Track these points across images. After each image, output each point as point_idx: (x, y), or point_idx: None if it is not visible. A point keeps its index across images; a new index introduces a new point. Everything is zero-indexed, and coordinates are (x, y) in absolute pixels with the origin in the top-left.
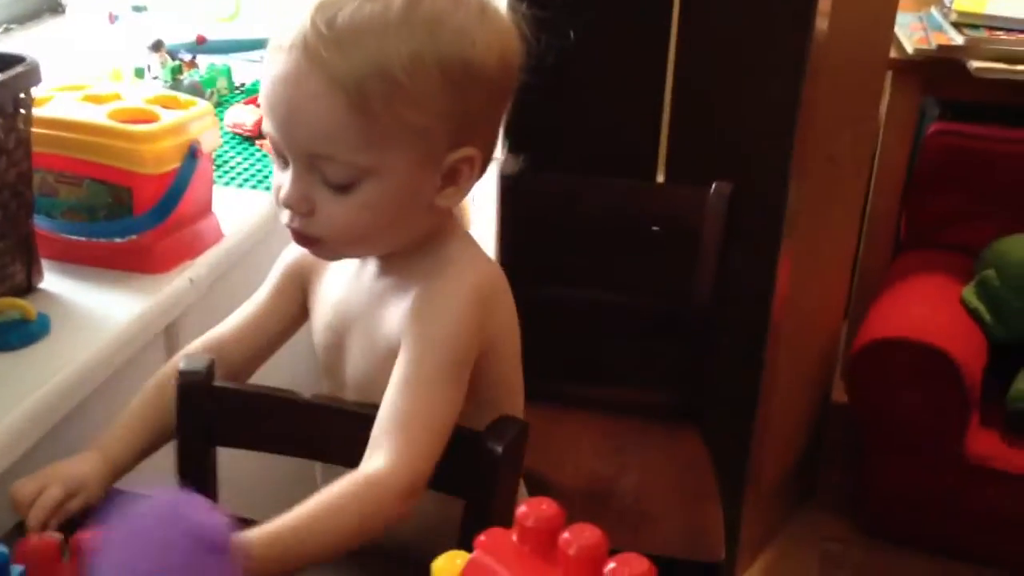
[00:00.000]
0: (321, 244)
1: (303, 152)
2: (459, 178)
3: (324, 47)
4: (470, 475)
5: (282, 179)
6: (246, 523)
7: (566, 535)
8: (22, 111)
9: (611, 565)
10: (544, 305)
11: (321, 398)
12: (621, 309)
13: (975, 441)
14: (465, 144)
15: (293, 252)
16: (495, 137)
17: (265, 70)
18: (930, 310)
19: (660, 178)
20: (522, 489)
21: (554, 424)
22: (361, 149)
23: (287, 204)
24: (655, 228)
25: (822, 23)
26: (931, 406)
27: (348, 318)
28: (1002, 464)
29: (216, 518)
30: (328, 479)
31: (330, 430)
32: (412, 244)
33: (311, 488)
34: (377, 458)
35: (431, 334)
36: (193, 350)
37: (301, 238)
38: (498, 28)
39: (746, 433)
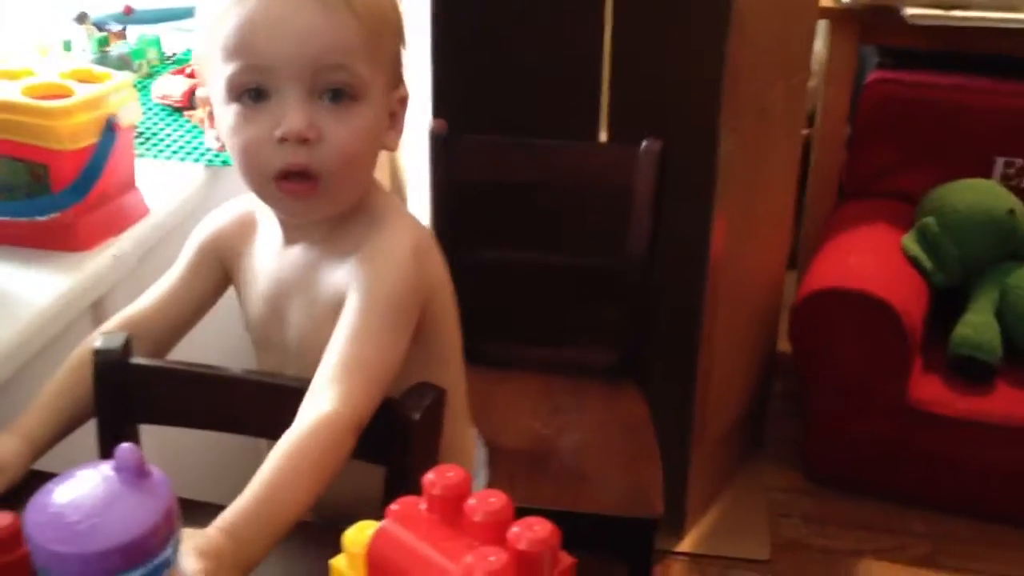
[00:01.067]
0: (318, 186)
1: (311, 67)
2: (397, 119)
3: None
4: (389, 443)
5: (258, 126)
6: (189, 504)
7: (472, 501)
8: None
9: (514, 529)
10: (482, 268)
11: (239, 372)
12: (559, 270)
13: (918, 387)
14: (399, 84)
15: (208, 229)
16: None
17: (247, 7)
18: (870, 259)
19: (603, 138)
20: (481, 451)
21: (494, 386)
22: (367, 62)
23: (296, 134)
24: (582, 190)
25: None
26: (873, 354)
27: (285, 287)
28: (944, 409)
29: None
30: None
31: (250, 403)
32: (353, 204)
33: (252, 462)
34: (323, 401)
35: (376, 286)
36: (110, 328)
37: (300, 177)
38: None
39: (689, 387)
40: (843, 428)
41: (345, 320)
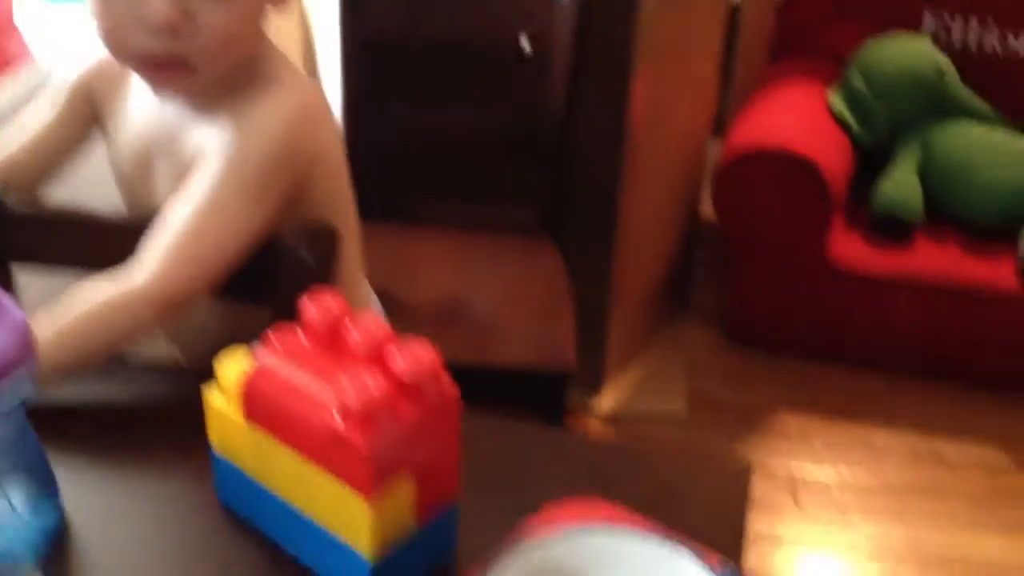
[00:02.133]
0: (189, 70)
1: None
2: None
3: None
4: (278, 285)
5: (121, 6)
6: None
7: (351, 328)
8: None
9: (394, 352)
10: (396, 124)
11: (106, 214)
12: (475, 126)
13: (840, 246)
14: None
15: (79, 70)
16: None
17: None
18: (795, 118)
19: None
20: (378, 309)
21: (407, 242)
22: None
23: (162, 23)
24: (524, 42)
25: None
26: (794, 214)
27: (153, 145)
28: (865, 267)
29: None
30: None
31: (123, 246)
32: (244, 57)
33: None
34: (136, 270)
35: (238, 157)
36: None
37: (169, 66)
38: None
39: (608, 248)
40: (764, 288)
41: (195, 187)
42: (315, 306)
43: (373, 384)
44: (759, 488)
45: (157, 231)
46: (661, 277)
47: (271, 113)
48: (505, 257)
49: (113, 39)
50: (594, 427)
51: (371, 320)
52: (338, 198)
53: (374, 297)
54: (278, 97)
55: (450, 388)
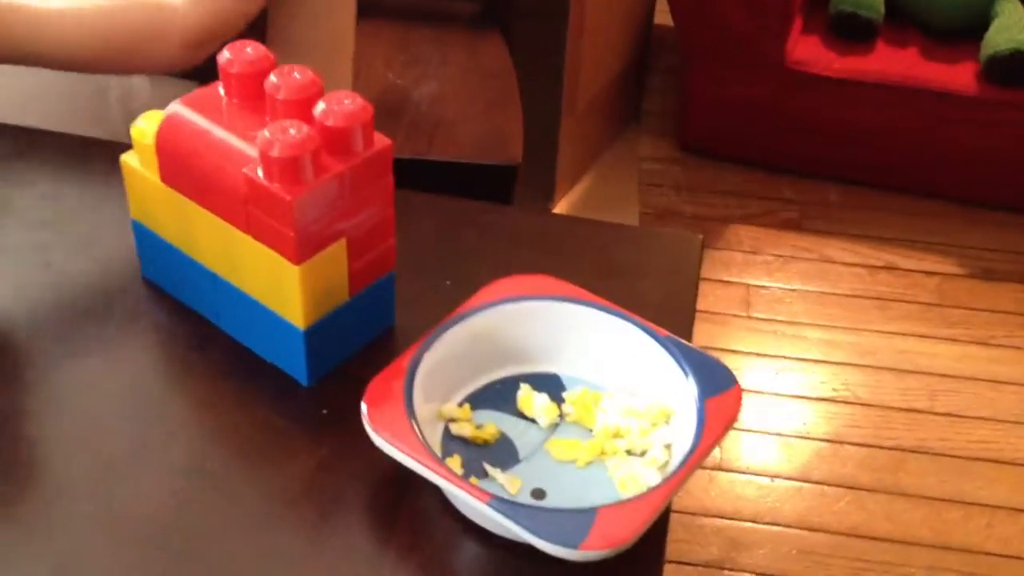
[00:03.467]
0: None
1: None
2: None
3: None
4: None
5: None
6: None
7: (273, 79)
8: None
9: (320, 104)
10: None
11: None
12: None
13: (797, 48)
14: None
15: None
16: None
17: None
18: None
19: None
20: None
21: None
22: None
23: None
24: None
25: None
26: (753, 14)
27: None
28: (822, 69)
29: None
30: None
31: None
32: None
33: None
34: None
35: None
36: None
37: None
38: None
39: (559, 48)
40: (720, 94)
41: None
42: (234, 55)
43: (297, 134)
44: (710, 299)
45: None
46: (613, 83)
47: None
48: (449, 50)
49: None
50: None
51: (299, 71)
52: None
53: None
54: None
55: (381, 141)
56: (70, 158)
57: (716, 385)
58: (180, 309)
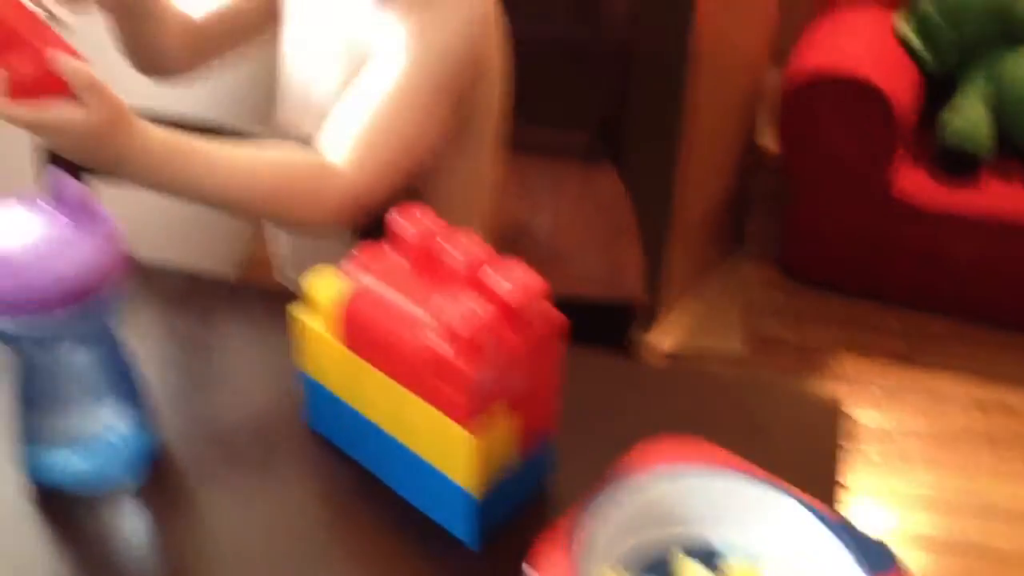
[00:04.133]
0: None
1: None
2: None
3: None
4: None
5: None
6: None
7: (447, 245)
8: None
9: (494, 274)
10: None
11: (230, 123)
12: (530, 41)
13: (903, 179)
14: None
15: None
16: None
17: None
18: (860, 43)
19: None
20: None
21: None
22: None
23: None
24: None
25: None
26: (859, 143)
27: (328, 32)
28: (928, 202)
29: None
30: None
31: None
32: None
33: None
34: (338, 154)
35: (425, 49)
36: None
37: None
38: None
39: (669, 174)
40: (824, 222)
41: (381, 81)
42: (407, 221)
43: (480, 309)
44: None
45: (345, 123)
46: (718, 208)
47: (453, 14)
48: (564, 181)
49: None
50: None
51: (468, 238)
52: (491, 118)
53: None
54: (458, 1)
55: (554, 315)
56: (227, 302)
57: (877, 565)
58: (343, 459)
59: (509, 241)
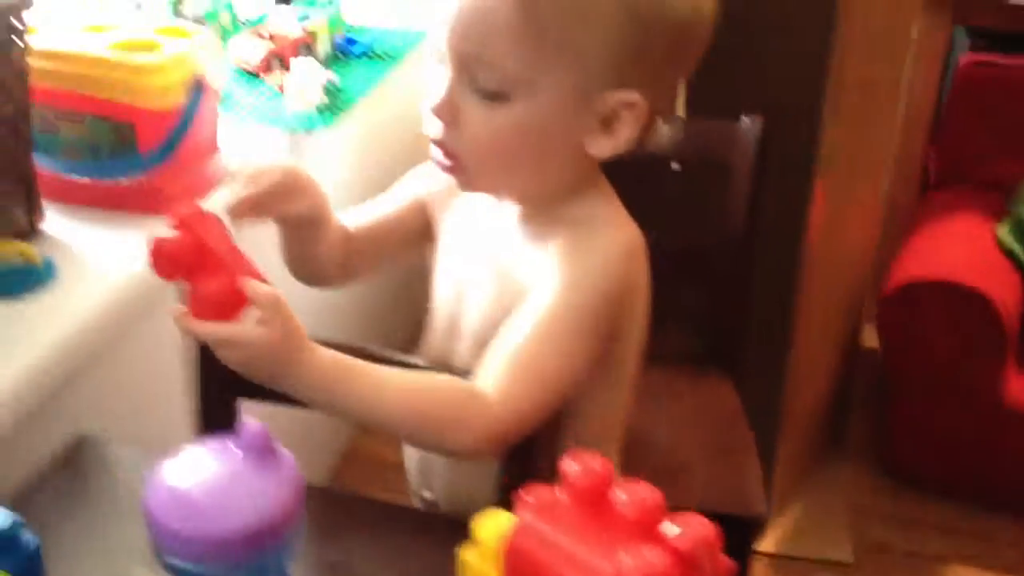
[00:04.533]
0: (459, 165)
1: (459, 51)
2: (617, 125)
3: None
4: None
5: (437, 89)
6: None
7: (620, 493)
8: (16, 40)
9: (671, 526)
10: None
11: (390, 353)
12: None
13: (1011, 385)
14: (631, 86)
15: (424, 175)
16: (670, 94)
17: None
18: (964, 250)
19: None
20: None
21: None
22: (520, 57)
23: (435, 111)
24: (675, 165)
25: None
26: (966, 349)
27: (479, 262)
28: None
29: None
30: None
31: None
32: (554, 194)
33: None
34: (487, 384)
35: (574, 286)
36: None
37: (441, 155)
38: None
39: (778, 378)
40: (930, 426)
41: (532, 314)
42: (580, 466)
43: (655, 558)
44: None
45: (508, 352)
46: (822, 410)
47: (604, 248)
48: (678, 390)
49: (422, 112)
50: (759, 570)
51: (641, 486)
52: (632, 352)
53: None
54: (610, 232)
55: (726, 563)
56: (371, 525)
57: None
58: None
59: (631, 451)
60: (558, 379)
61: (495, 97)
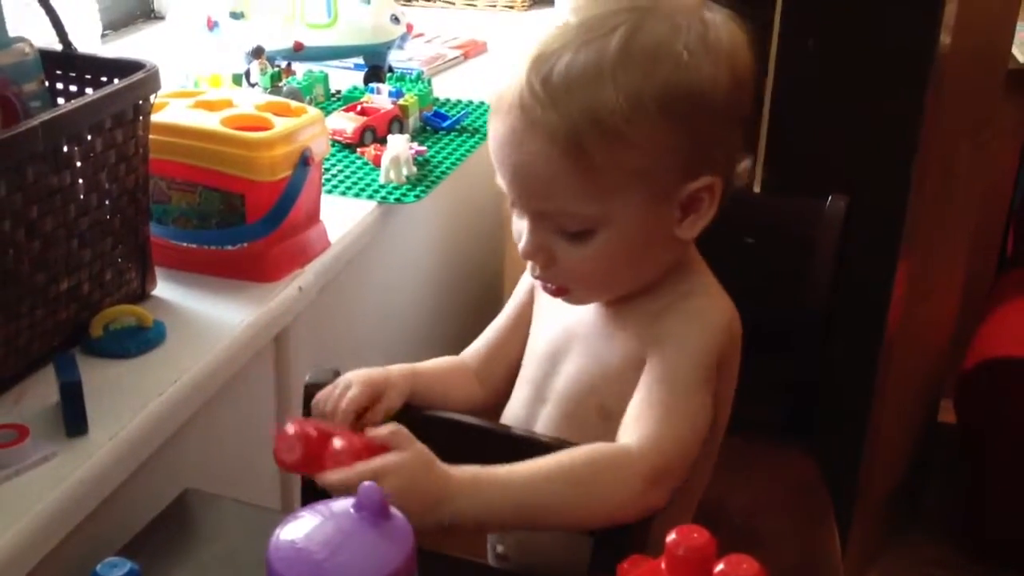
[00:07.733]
0: (569, 292)
1: (530, 208)
2: (699, 207)
3: (539, 106)
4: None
5: (520, 226)
6: None
7: (722, 567)
8: (141, 118)
9: None
10: None
11: (487, 423)
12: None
13: None
14: (701, 174)
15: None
16: (734, 156)
17: (489, 128)
18: None
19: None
20: None
21: None
22: (586, 201)
23: (526, 256)
24: (749, 240)
25: (946, 38)
26: None
27: (574, 334)
28: None
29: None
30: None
31: (488, 455)
32: (655, 279)
33: None
34: (625, 440)
35: (686, 344)
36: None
37: (548, 288)
38: (726, 47)
39: (854, 450)
40: (1009, 503)
41: (653, 370)
42: (681, 538)
43: None
44: None
45: (638, 407)
46: (899, 483)
47: (711, 311)
48: (756, 459)
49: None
50: None
51: (744, 561)
52: (723, 413)
53: None
54: (714, 302)
55: None
56: None
57: None
58: None
59: (710, 519)
60: (691, 422)
61: (579, 236)
